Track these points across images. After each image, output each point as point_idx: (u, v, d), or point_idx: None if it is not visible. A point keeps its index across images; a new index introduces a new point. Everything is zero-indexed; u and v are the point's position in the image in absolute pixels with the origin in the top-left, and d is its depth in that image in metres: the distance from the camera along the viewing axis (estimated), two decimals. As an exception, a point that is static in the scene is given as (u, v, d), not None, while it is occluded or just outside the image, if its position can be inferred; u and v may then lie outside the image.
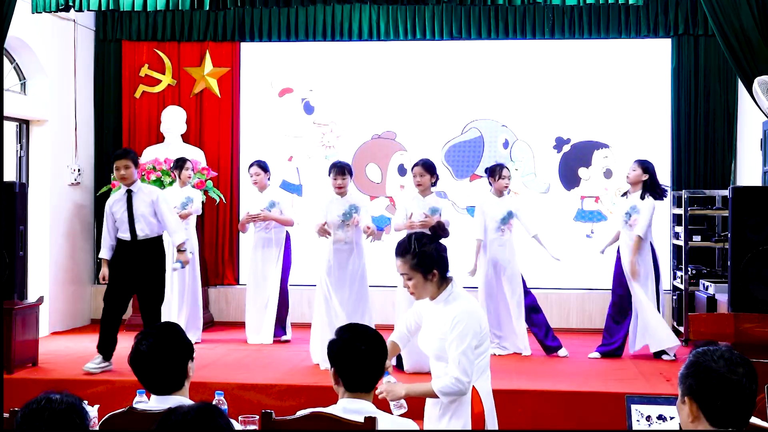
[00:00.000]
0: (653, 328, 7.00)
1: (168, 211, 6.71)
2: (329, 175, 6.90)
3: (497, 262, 7.28)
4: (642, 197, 7.05)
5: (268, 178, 7.99)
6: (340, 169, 6.85)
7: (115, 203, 6.63)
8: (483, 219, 7.32)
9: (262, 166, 7.94)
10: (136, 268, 6.55)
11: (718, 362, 2.22)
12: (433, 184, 6.87)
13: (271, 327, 7.89)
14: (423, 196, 6.82)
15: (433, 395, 3.50)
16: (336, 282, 6.73)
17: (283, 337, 7.96)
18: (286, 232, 8.08)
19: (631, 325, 7.11)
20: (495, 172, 7.34)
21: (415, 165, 6.88)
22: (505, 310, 7.28)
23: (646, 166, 7.10)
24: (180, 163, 7.97)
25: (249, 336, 7.93)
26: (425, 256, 3.55)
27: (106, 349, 6.53)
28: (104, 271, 6.65)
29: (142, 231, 6.56)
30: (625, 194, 7.29)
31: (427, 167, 6.81)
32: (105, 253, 6.66)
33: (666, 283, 8.77)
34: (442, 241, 3.70)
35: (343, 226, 6.75)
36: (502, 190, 7.36)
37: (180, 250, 6.84)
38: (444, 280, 3.61)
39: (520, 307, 7.25)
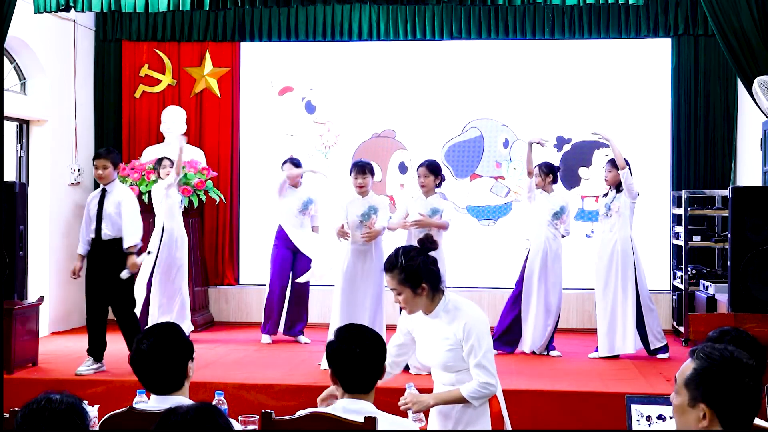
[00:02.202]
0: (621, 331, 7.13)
1: (129, 213, 6.53)
2: (350, 174, 6.76)
3: (546, 256, 7.33)
4: (619, 190, 7.19)
5: (302, 176, 7.93)
6: (361, 168, 6.71)
7: (92, 200, 6.63)
8: (538, 210, 7.44)
9: (295, 164, 7.87)
10: (102, 270, 6.49)
11: (733, 366, 2.22)
12: (438, 185, 6.84)
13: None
14: (426, 196, 6.80)
15: (464, 401, 3.49)
16: (353, 282, 6.62)
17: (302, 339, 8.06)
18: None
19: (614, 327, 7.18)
20: (554, 172, 7.47)
21: (420, 165, 6.84)
22: (541, 303, 7.34)
23: (618, 165, 7.18)
24: (158, 163, 7.95)
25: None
26: (413, 270, 3.51)
27: (95, 351, 6.53)
28: (76, 265, 6.66)
29: (106, 230, 6.48)
30: (605, 195, 7.39)
31: (432, 168, 6.78)
32: (81, 248, 6.65)
33: (666, 283, 8.79)
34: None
35: (361, 226, 6.62)
36: (543, 187, 7.45)
37: (128, 253, 6.48)
38: (436, 293, 3.58)
39: (557, 301, 7.37)
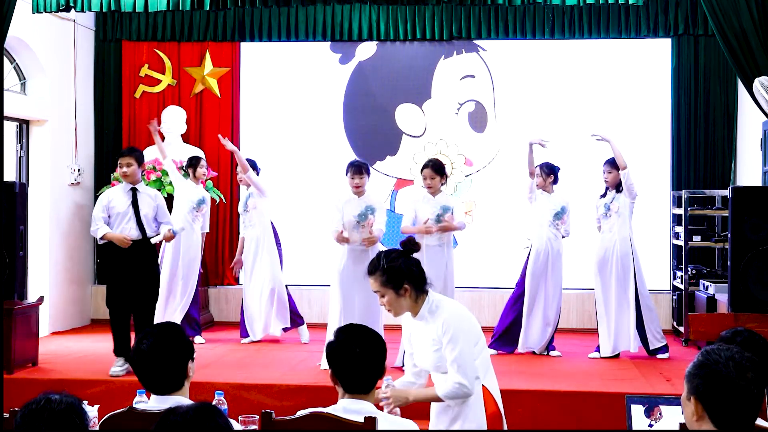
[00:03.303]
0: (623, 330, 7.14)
1: (166, 210, 6.77)
2: (346, 174, 6.73)
3: (547, 257, 7.33)
4: (618, 190, 7.20)
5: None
6: (357, 168, 6.68)
7: (116, 199, 6.55)
8: (536, 212, 7.43)
9: (253, 166, 7.89)
10: (133, 268, 6.50)
11: (728, 365, 2.21)
12: (443, 184, 6.85)
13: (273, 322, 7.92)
14: (434, 196, 6.79)
15: (439, 400, 3.49)
16: (349, 282, 6.62)
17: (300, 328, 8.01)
18: (271, 224, 8.02)
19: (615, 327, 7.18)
20: (555, 172, 7.44)
21: (425, 167, 6.80)
22: (542, 303, 7.33)
23: (618, 165, 7.17)
24: (194, 162, 7.89)
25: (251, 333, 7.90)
26: (394, 271, 3.53)
27: (124, 350, 6.48)
28: (119, 236, 6.43)
29: (148, 230, 6.56)
30: (603, 195, 7.38)
31: (437, 168, 6.76)
32: (106, 229, 6.48)
33: (666, 283, 8.79)
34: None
35: (358, 227, 6.62)
36: (544, 187, 7.43)
37: (167, 230, 6.69)
38: (420, 294, 3.58)
39: (556, 304, 7.35)
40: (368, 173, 6.78)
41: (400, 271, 3.53)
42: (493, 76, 9.18)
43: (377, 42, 9.27)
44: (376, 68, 9.30)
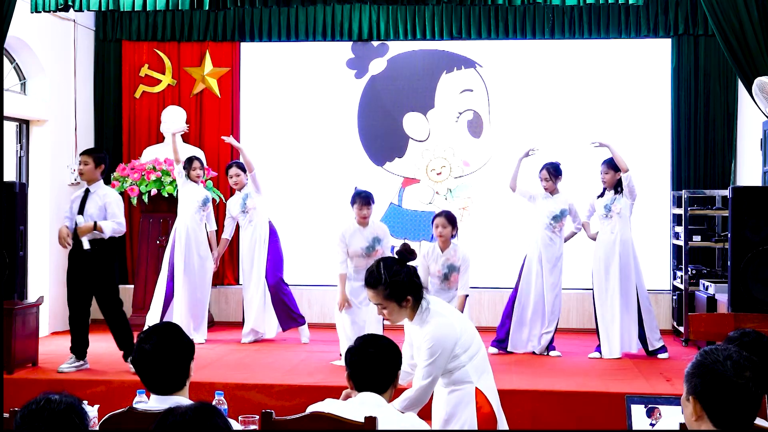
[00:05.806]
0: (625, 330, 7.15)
1: (118, 211, 6.48)
2: (353, 204, 6.66)
3: (540, 259, 7.31)
4: (617, 191, 7.20)
5: (247, 179, 7.93)
6: (365, 200, 6.62)
7: (75, 199, 6.59)
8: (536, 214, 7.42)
9: (241, 167, 7.90)
10: (85, 272, 6.48)
11: (725, 364, 2.21)
12: (454, 236, 6.54)
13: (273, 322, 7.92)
14: (442, 249, 6.51)
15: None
16: (355, 297, 6.65)
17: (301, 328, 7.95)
18: (270, 224, 8.03)
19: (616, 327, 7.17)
20: (561, 173, 7.42)
21: (437, 216, 6.59)
22: (537, 307, 7.32)
23: (616, 166, 7.16)
24: (187, 164, 7.84)
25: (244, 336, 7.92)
26: (397, 285, 3.51)
27: (78, 349, 6.57)
28: (64, 231, 6.42)
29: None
30: (600, 195, 7.36)
31: (450, 219, 6.54)
32: (62, 224, 6.51)
33: (666, 283, 8.79)
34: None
35: (365, 256, 6.60)
36: (552, 190, 7.39)
37: (88, 225, 6.37)
38: (417, 303, 3.58)
39: (555, 306, 7.33)
40: (374, 202, 6.73)
41: (403, 285, 3.52)
42: (489, 90, 9.23)
43: (377, 42, 9.27)
44: (387, 82, 9.37)
